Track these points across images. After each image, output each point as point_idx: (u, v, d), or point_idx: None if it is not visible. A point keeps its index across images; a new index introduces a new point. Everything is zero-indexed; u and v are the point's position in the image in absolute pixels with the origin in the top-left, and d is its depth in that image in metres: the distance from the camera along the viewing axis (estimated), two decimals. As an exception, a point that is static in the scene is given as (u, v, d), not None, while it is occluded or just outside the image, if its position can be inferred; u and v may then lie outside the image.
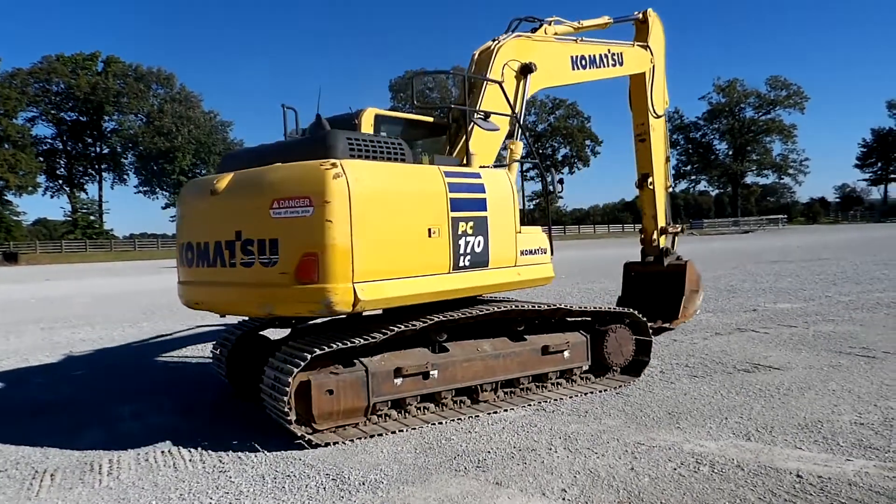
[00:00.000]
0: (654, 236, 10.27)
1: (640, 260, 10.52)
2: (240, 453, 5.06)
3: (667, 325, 9.50)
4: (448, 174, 5.76)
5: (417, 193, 5.50)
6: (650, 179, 10.12)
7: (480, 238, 5.87)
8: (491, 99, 6.95)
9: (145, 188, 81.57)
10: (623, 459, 4.62)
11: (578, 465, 4.55)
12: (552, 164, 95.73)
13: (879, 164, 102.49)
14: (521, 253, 6.33)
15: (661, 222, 10.31)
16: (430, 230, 5.48)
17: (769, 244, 38.36)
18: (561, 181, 7.19)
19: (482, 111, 6.78)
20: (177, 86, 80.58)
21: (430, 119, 7.11)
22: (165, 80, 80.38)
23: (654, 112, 9.99)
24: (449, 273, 5.64)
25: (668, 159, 10.69)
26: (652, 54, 9.80)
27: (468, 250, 5.78)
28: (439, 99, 79.21)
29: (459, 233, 5.69)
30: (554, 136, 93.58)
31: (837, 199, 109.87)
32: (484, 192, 5.97)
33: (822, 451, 4.63)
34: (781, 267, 20.76)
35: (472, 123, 6.55)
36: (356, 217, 4.94)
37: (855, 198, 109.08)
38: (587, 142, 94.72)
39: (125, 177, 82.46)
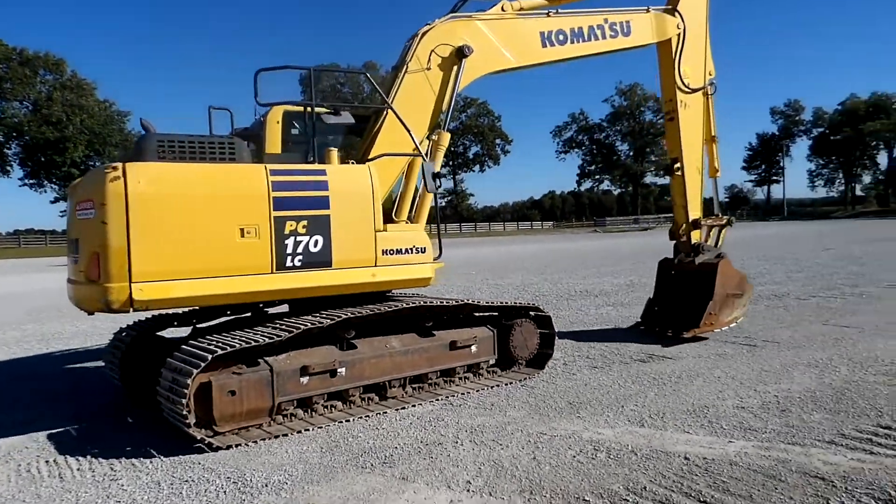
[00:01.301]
0: (684, 230, 9.10)
1: (673, 257, 9.36)
2: (133, 460, 4.82)
3: (685, 334, 8.37)
4: (275, 172, 5.60)
5: (226, 194, 5.38)
6: (677, 164, 8.96)
7: (318, 237, 5.73)
8: (409, 88, 6.72)
9: (32, 181, 75.53)
10: (526, 449, 4.76)
11: (483, 456, 4.65)
12: (463, 161, 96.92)
13: (763, 167, 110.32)
14: (384, 252, 6.13)
15: (694, 214, 9.06)
16: (243, 230, 5.39)
17: (665, 241, 40.46)
18: (436, 176, 6.60)
19: (334, 106, 6.64)
20: (67, 72, 75.30)
21: (352, 113, 6.99)
22: (54, 65, 74.82)
23: (685, 86, 8.83)
24: (271, 273, 5.53)
25: (713, 139, 9.35)
26: (682, 19, 8.73)
27: (299, 250, 5.64)
28: (351, 94, 78.28)
29: (286, 232, 5.56)
30: (465, 134, 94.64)
31: (726, 199, 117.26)
32: (326, 189, 5.81)
33: (707, 435, 4.95)
34: (676, 263, 21.93)
35: (316, 121, 6.33)
36: (135, 218, 4.98)
37: (742, 198, 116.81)
38: (497, 141, 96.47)
39: (9, 168, 76.16)
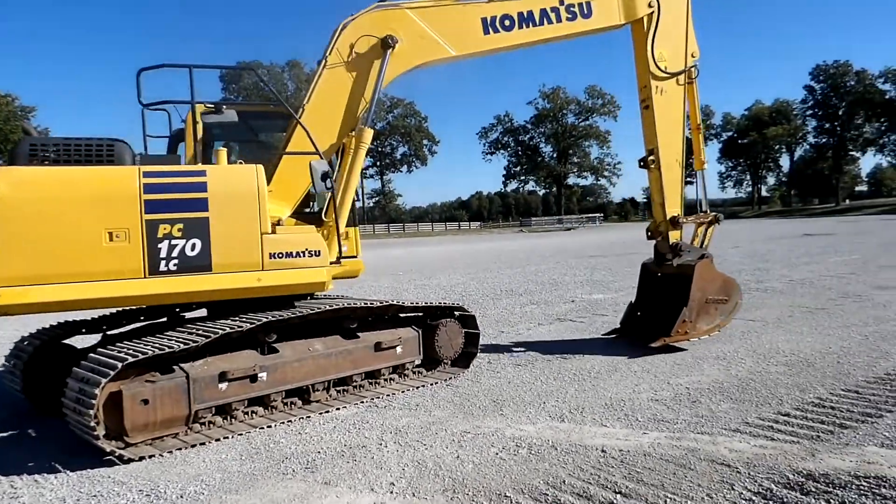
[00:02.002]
0: (662, 228, 8.29)
1: (653, 258, 8.59)
2: (36, 476, 4.55)
3: (654, 344, 7.54)
4: (149, 174, 5.40)
5: (92, 196, 5.22)
6: (653, 157, 8.18)
7: (195, 241, 5.52)
8: (328, 83, 6.52)
9: (-78, 179, 70.14)
10: (450, 449, 4.79)
11: (407, 457, 4.65)
12: (391, 161, 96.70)
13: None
14: (272, 256, 5.84)
15: (673, 210, 8.21)
16: (111, 233, 5.23)
17: (587, 240, 41.70)
18: (325, 176, 5.99)
19: (215, 103, 6.53)
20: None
21: (275, 110, 6.84)
22: (-52, 55, 69.68)
23: (660, 70, 8.02)
24: (144, 278, 5.34)
25: (699, 128, 8.57)
26: None
27: (174, 254, 5.44)
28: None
29: (160, 236, 5.37)
30: (392, 134, 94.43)
31: (645, 199, 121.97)
32: (205, 191, 5.58)
33: (623, 427, 5.14)
34: (597, 261, 22.67)
35: (200, 117, 6.22)
36: None
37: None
38: (425, 141, 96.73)
39: None
